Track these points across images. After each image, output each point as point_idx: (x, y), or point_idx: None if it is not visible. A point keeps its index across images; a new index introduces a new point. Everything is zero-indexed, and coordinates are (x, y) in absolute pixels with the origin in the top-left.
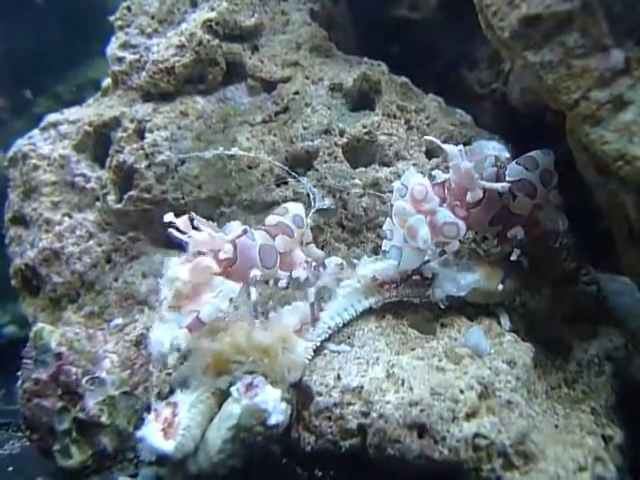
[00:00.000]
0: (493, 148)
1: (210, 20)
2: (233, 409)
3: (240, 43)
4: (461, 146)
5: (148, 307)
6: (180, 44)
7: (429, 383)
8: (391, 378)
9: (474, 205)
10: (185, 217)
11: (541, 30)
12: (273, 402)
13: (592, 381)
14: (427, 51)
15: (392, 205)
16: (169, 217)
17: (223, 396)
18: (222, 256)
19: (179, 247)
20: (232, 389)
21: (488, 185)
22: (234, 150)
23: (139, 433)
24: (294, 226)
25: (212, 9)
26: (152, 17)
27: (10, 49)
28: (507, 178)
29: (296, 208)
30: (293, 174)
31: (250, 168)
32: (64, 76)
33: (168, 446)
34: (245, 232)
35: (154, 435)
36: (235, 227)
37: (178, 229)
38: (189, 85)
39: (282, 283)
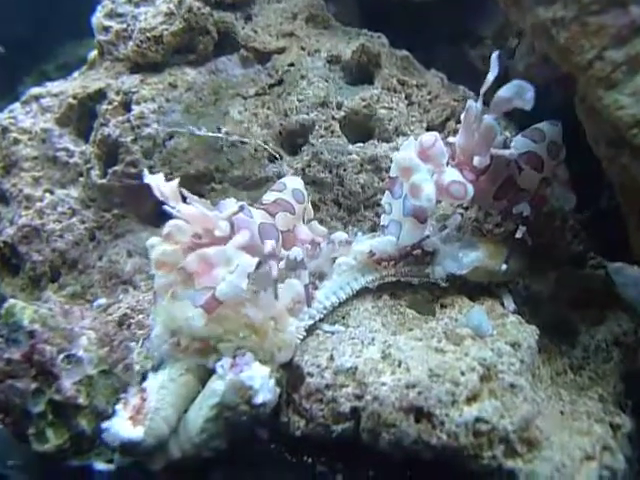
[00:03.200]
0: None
1: None
2: (217, 386)
3: (232, 12)
4: (480, 103)
5: (133, 287)
6: (169, 11)
7: (427, 364)
8: (387, 359)
9: (480, 172)
10: (173, 183)
11: None
12: (260, 379)
13: (600, 367)
14: (429, 29)
15: (390, 177)
16: (152, 178)
17: (206, 373)
18: (217, 234)
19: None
20: (217, 365)
21: (495, 151)
22: (223, 132)
23: (104, 424)
24: (294, 202)
25: None
26: None
27: None
28: (514, 153)
29: (295, 182)
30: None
31: (242, 143)
32: (52, 55)
33: (136, 433)
34: (242, 209)
35: (120, 424)
36: (230, 204)
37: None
38: (178, 55)
39: (282, 264)
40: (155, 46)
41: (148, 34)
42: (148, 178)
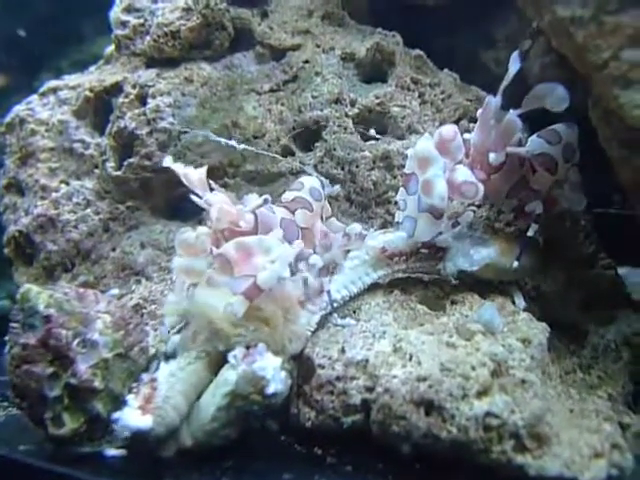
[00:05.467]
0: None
1: None
2: (229, 375)
3: (249, 8)
4: (499, 98)
5: (145, 278)
6: (186, 7)
7: (439, 358)
8: (398, 352)
9: (494, 170)
10: (202, 170)
11: None
12: (272, 370)
13: (609, 367)
14: (442, 31)
15: (405, 173)
16: (178, 166)
17: (217, 361)
18: (243, 226)
19: (180, 218)
20: (229, 355)
21: (511, 149)
22: (241, 147)
23: (115, 414)
24: (312, 200)
25: None
26: None
27: (14, 26)
28: (530, 150)
29: (312, 181)
30: (299, 163)
31: (256, 138)
32: (66, 52)
33: (145, 422)
34: (266, 202)
35: (130, 413)
36: (254, 199)
37: (194, 193)
38: (195, 50)
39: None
40: (172, 41)
41: (165, 29)
42: (173, 165)
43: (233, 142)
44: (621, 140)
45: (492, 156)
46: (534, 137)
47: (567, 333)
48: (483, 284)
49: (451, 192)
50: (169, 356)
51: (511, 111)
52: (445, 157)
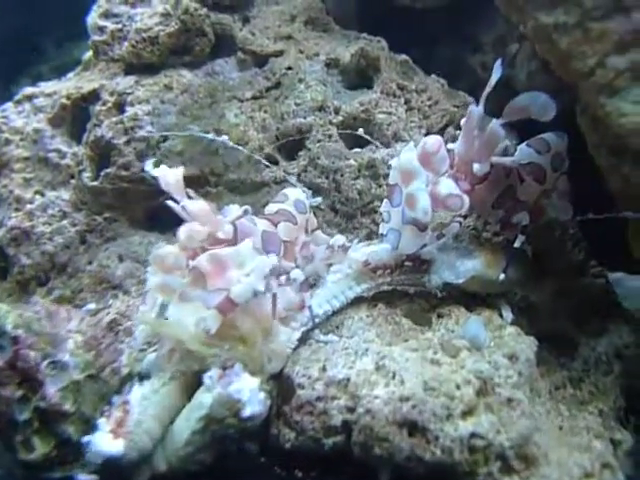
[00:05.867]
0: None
1: None
2: (204, 398)
3: (230, 14)
4: (481, 108)
5: (123, 292)
6: (165, 12)
7: (422, 377)
8: (381, 370)
9: (479, 181)
10: (178, 171)
11: None
12: (249, 392)
13: (600, 381)
14: (429, 34)
15: (389, 184)
16: (158, 170)
17: (194, 382)
18: (221, 236)
19: (159, 229)
20: (205, 376)
21: (496, 159)
22: (223, 138)
23: (85, 438)
24: (296, 212)
25: None
26: None
27: None
28: (516, 160)
29: (296, 193)
30: (282, 172)
31: (238, 145)
32: (47, 56)
33: (117, 446)
34: (246, 213)
35: (102, 438)
36: (234, 209)
37: (172, 198)
38: (174, 57)
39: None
40: (151, 47)
41: (144, 34)
42: (151, 170)
43: (221, 138)
44: (609, 148)
45: (476, 166)
46: (523, 146)
47: (557, 345)
48: (470, 296)
49: (435, 205)
50: (143, 376)
51: (494, 120)
52: (428, 170)
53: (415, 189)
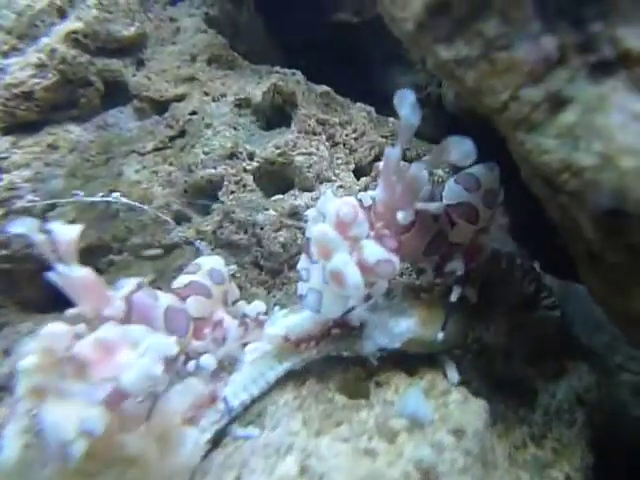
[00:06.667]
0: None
1: (75, 32)
2: None
3: (120, 58)
4: (399, 150)
5: (10, 395)
6: (40, 63)
7: (354, 476)
8: (306, 474)
9: (405, 230)
10: (72, 229)
11: (452, 18)
12: None
13: (563, 434)
14: (358, 55)
15: (307, 238)
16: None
17: None
18: (107, 313)
19: (61, 308)
20: None
21: (420, 205)
22: (113, 196)
23: None
24: (211, 283)
25: (79, 19)
26: (8, 32)
27: None
28: (444, 201)
29: (211, 261)
30: (193, 240)
31: (141, 204)
32: None
33: None
34: (140, 286)
35: None
36: (129, 283)
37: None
38: (58, 112)
39: (191, 365)
40: (26, 103)
41: (15, 90)
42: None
43: (112, 197)
44: (543, 179)
45: (400, 215)
46: (451, 183)
47: (514, 393)
48: (411, 357)
49: (365, 275)
50: None
51: (414, 165)
52: (347, 239)
53: (340, 263)
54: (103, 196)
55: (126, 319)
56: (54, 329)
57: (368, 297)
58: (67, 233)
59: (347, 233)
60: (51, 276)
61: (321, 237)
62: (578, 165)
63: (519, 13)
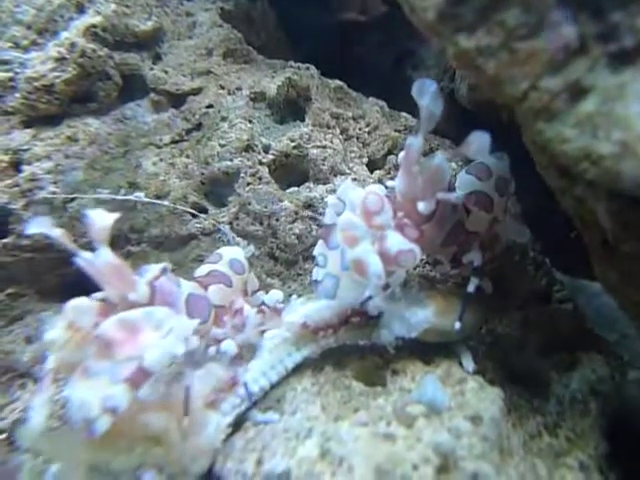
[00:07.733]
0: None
1: (94, 26)
2: None
3: (137, 52)
4: (421, 140)
5: (33, 381)
6: (60, 56)
7: (374, 459)
8: (326, 457)
9: (425, 220)
10: (109, 216)
11: (474, 7)
12: None
13: (577, 424)
14: (370, 53)
15: (323, 226)
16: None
17: None
18: (132, 298)
19: (79, 296)
20: None
21: (441, 195)
22: (134, 195)
23: None
24: (232, 273)
25: (98, 13)
26: (28, 27)
27: None
28: (457, 191)
29: (232, 252)
30: (212, 220)
31: (159, 198)
32: None
33: None
34: (165, 271)
35: None
36: (152, 268)
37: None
38: (77, 105)
39: (212, 349)
40: (47, 96)
41: (36, 83)
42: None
43: (133, 196)
44: (559, 169)
45: (421, 205)
46: (463, 174)
47: (528, 384)
48: (427, 346)
49: (387, 264)
50: None
51: (438, 155)
52: (372, 229)
53: (363, 252)
54: (125, 194)
55: (149, 304)
56: (79, 303)
57: (386, 286)
58: (103, 219)
59: (372, 222)
60: (79, 261)
61: (347, 225)
62: (597, 153)
63: (540, 2)
